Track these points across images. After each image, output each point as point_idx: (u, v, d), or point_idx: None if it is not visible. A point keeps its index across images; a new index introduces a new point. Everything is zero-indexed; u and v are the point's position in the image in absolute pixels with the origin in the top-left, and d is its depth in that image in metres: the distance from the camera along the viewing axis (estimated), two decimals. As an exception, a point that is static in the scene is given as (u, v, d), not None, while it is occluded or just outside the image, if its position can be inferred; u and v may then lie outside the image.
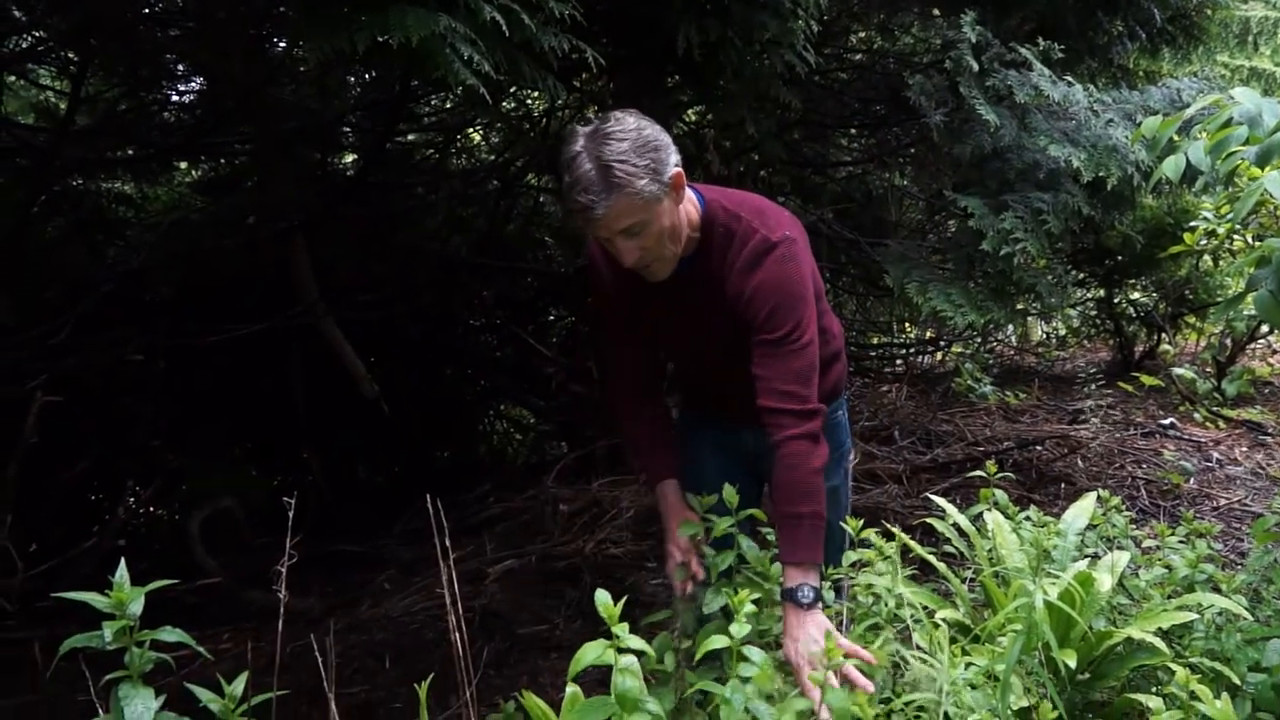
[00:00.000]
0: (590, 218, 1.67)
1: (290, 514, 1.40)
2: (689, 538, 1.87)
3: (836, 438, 2.17)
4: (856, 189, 5.24)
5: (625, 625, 1.28)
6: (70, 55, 4.04)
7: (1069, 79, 3.35)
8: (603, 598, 1.31)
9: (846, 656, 1.59)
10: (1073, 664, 1.65)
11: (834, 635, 1.62)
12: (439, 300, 5.28)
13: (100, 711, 1.18)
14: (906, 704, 1.53)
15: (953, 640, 1.69)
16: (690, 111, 5.09)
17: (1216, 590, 1.99)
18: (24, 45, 4.09)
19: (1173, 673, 1.61)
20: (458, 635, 1.41)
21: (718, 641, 1.39)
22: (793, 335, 1.81)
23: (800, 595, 1.68)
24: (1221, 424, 5.38)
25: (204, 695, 1.25)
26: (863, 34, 4.83)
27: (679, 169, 1.74)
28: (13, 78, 4.50)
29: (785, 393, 1.79)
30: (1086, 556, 2.08)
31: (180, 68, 4.34)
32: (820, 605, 1.70)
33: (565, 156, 1.69)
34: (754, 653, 1.41)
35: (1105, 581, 1.85)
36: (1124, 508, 2.40)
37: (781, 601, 1.72)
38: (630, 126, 1.69)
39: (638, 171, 1.65)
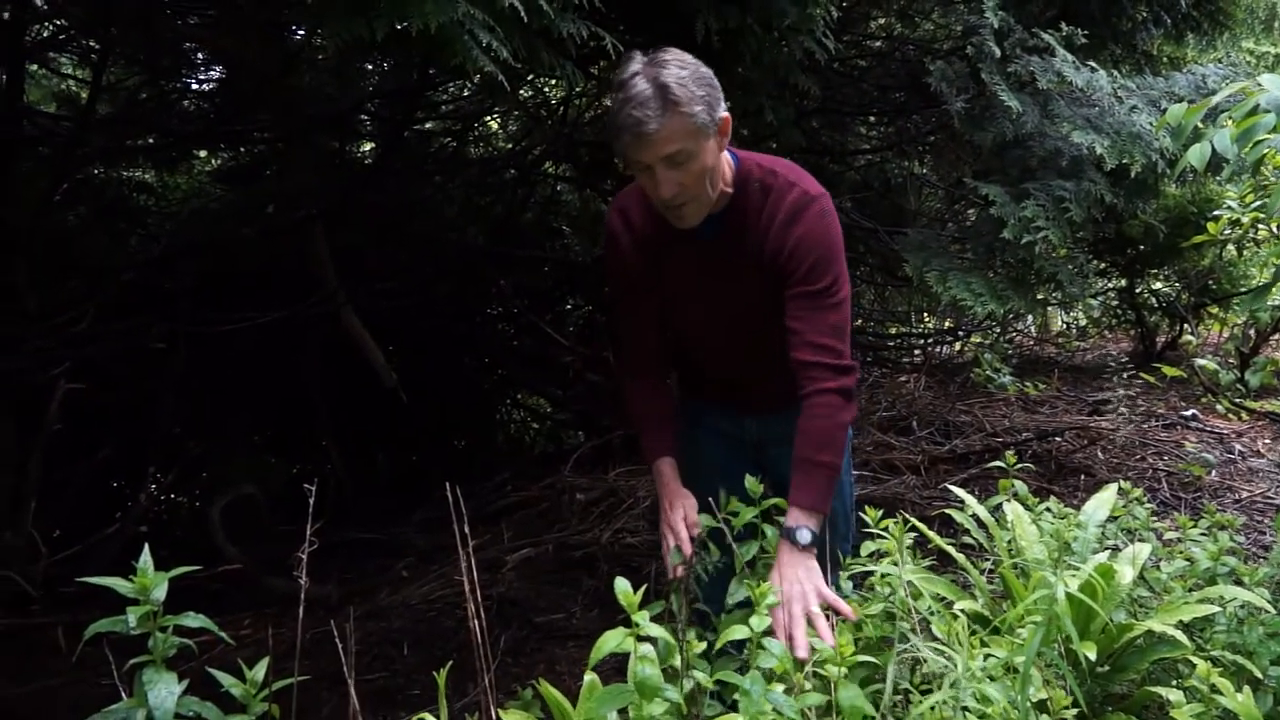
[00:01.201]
0: (640, 133, 1.64)
1: (311, 501, 1.41)
2: (684, 519, 1.83)
3: None
4: (875, 177, 5.20)
5: (645, 614, 1.29)
6: (91, 44, 4.06)
7: (1092, 65, 3.30)
8: (622, 586, 1.31)
9: (826, 608, 1.63)
10: (1093, 656, 1.63)
11: (819, 584, 1.66)
12: (457, 289, 5.30)
13: (124, 695, 1.19)
14: (923, 694, 1.53)
15: (971, 632, 1.69)
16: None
17: (1238, 583, 1.97)
18: (45, 34, 4.12)
19: (1194, 666, 1.59)
20: (476, 623, 1.42)
21: (738, 632, 1.39)
22: (832, 288, 1.81)
23: (799, 535, 1.72)
24: (1244, 416, 5.33)
25: (226, 680, 1.26)
26: (882, 20, 4.78)
27: (728, 115, 1.73)
28: (34, 66, 4.53)
29: (822, 346, 1.80)
30: (1107, 548, 2.07)
31: (200, 56, 4.35)
32: (814, 551, 1.72)
33: (619, 78, 1.68)
34: (774, 644, 1.41)
35: (1126, 574, 1.84)
36: (1145, 500, 2.38)
37: (779, 537, 1.74)
38: (689, 59, 1.69)
39: (694, 97, 1.65)
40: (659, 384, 2.07)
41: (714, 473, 1.93)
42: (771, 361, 1.90)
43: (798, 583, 1.65)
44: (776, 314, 1.87)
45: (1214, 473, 4.39)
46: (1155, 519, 2.36)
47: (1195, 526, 2.28)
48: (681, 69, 1.66)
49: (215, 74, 4.66)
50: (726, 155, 1.84)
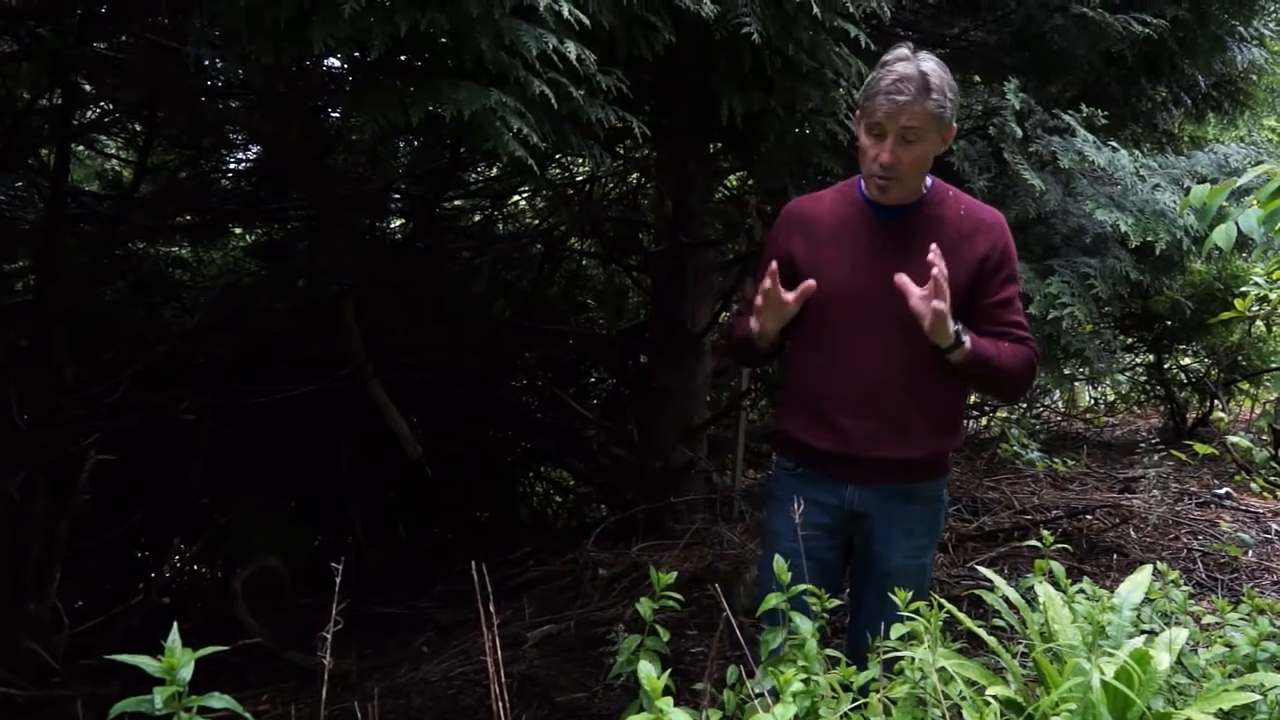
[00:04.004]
0: (897, 102, 1.86)
1: (338, 579, 1.41)
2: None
3: (939, 514, 2.19)
4: (899, 254, 5.23)
5: (669, 699, 1.27)
6: (136, 126, 4.21)
7: (1113, 144, 3.34)
8: (646, 669, 1.29)
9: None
10: (1131, 746, 1.59)
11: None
12: (482, 362, 5.35)
13: (144, 774, 1.18)
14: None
15: (1005, 718, 1.64)
16: (732, 177, 5.15)
17: (1279, 670, 1.92)
18: (91, 116, 4.28)
19: (1237, 757, 1.54)
20: (501, 704, 1.40)
21: (763, 719, 1.36)
22: (1019, 298, 2.06)
23: (963, 334, 1.90)
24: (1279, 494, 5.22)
25: (247, 761, 1.25)
26: (904, 101, 4.87)
27: (955, 128, 1.96)
28: (80, 147, 4.69)
29: (1028, 340, 2.04)
30: (1143, 633, 2.02)
31: (239, 137, 4.50)
32: (957, 349, 1.91)
33: (885, 59, 1.92)
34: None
35: (1163, 660, 1.79)
36: (1181, 581, 2.33)
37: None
38: (944, 67, 1.93)
39: (946, 90, 1.90)
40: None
41: (789, 558, 1.87)
42: (914, 381, 1.96)
43: (945, 330, 1.86)
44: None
45: (1250, 553, 4.29)
46: (1192, 601, 2.30)
47: (1234, 611, 2.22)
48: (939, 68, 1.91)
49: (252, 153, 4.82)
50: None
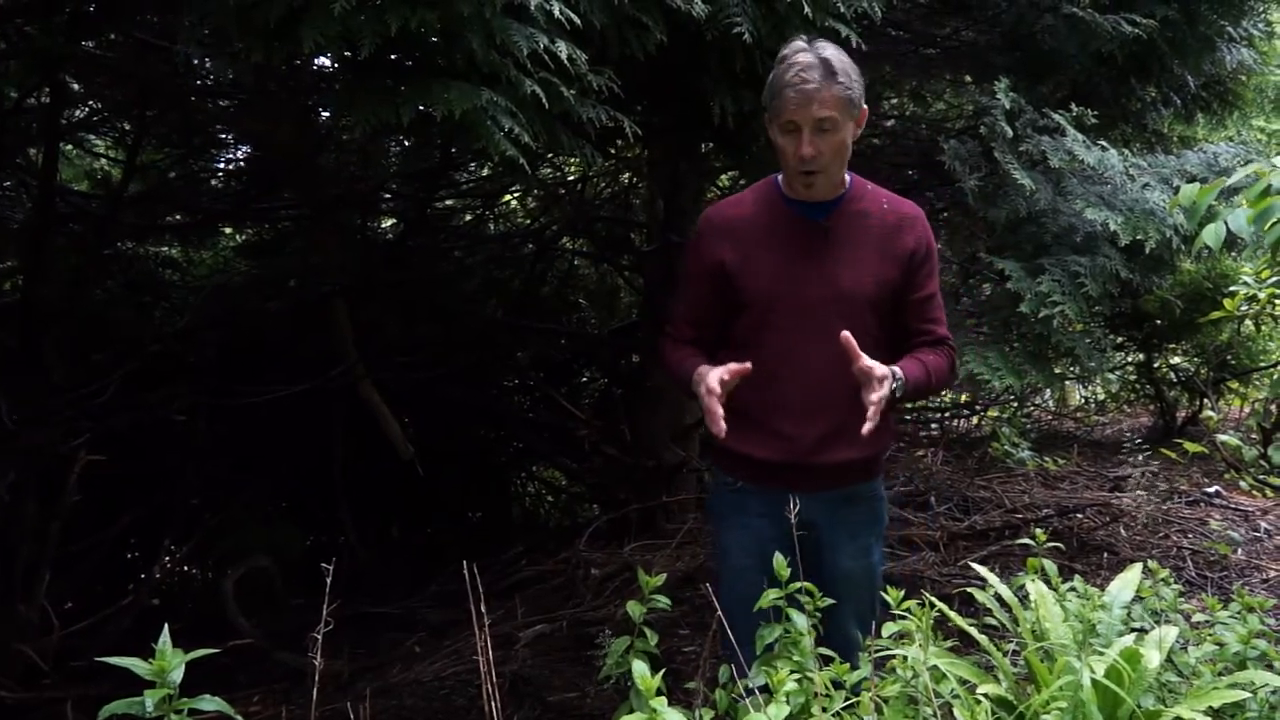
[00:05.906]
0: (804, 90, 1.84)
1: (329, 580, 1.40)
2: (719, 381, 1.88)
3: (880, 511, 2.18)
4: (889, 253, 5.23)
5: (663, 699, 1.27)
6: (124, 125, 4.19)
7: (1103, 144, 3.35)
8: (639, 669, 1.29)
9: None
10: (1121, 744, 1.59)
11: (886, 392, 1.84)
12: (475, 361, 5.34)
13: (135, 777, 1.17)
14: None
15: (996, 717, 1.65)
16: (724, 176, 5.16)
17: (1269, 668, 1.93)
18: (79, 115, 4.26)
19: (1227, 755, 1.55)
20: (493, 704, 1.40)
21: (756, 719, 1.37)
22: (939, 292, 2.10)
23: (896, 374, 1.91)
24: (1269, 492, 5.24)
25: (238, 762, 1.24)
26: (895, 100, 4.88)
27: (866, 109, 1.96)
28: (68, 146, 4.67)
29: (947, 340, 2.10)
30: (1133, 630, 2.03)
31: (229, 136, 4.48)
32: (892, 389, 1.89)
33: (783, 54, 1.91)
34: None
35: (1153, 658, 1.80)
36: (1171, 580, 2.34)
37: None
38: (842, 51, 1.92)
39: (850, 74, 1.88)
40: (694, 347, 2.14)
41: (753, 560, 1.92)
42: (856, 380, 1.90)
43: (878, 386, 1.83)
44: (876, 308, 1.99)
45: (1240, 551, 4.31)
46: (1182, 599, 2.31)
47: (1224, 609, 2.23)
48: (839, 52, 1.90)
49: (242, 152, 4.80)
50: None
